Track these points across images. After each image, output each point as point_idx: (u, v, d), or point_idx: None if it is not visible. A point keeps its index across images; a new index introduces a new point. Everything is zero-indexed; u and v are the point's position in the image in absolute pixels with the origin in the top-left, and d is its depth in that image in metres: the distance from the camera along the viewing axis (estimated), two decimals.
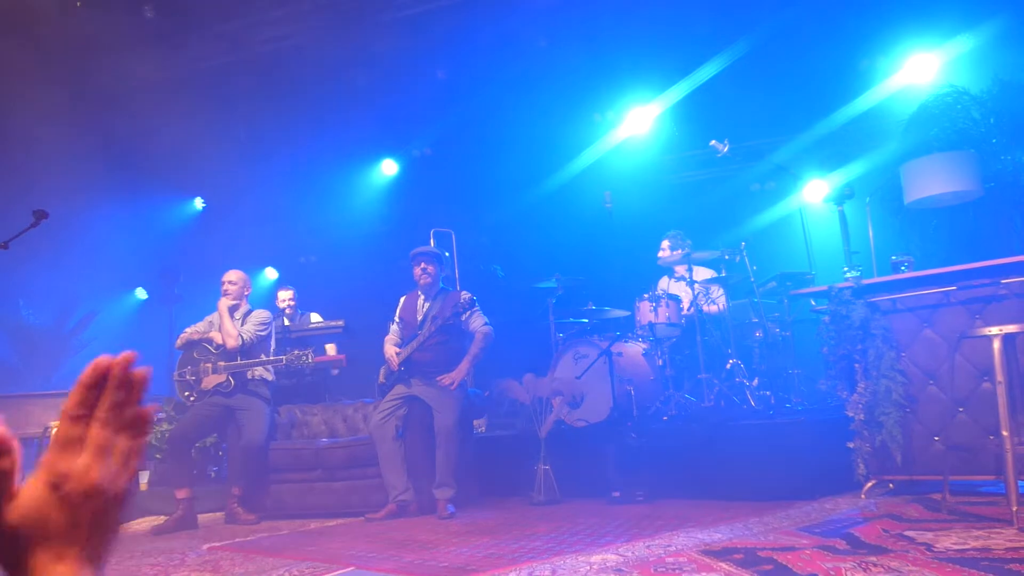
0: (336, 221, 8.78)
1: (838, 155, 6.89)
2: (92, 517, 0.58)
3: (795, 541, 2.82)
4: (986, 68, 6.00)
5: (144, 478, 5.55)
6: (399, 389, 4.63)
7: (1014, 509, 2.76)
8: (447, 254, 6.54)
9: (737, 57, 6.54)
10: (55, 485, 0.58)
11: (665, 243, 5.87)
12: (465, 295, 4.71)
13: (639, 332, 5.38)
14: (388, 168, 8.84)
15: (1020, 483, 2.86)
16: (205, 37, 7.20)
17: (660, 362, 5.23)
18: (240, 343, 4.83)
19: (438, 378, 4.54)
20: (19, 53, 6.43)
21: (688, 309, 5.45)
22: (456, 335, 4.69)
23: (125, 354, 0.62)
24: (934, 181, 4.26)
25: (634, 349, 5.25)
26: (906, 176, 4.37)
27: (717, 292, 5.41)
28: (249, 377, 4.92)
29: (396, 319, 4.89)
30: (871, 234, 4.58)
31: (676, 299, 5.34)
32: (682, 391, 5.15)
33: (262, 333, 4.98)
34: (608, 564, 2.66)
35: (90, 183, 7.69)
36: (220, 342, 4.88)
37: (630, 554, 2.81)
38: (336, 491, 4.80)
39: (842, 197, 4.22)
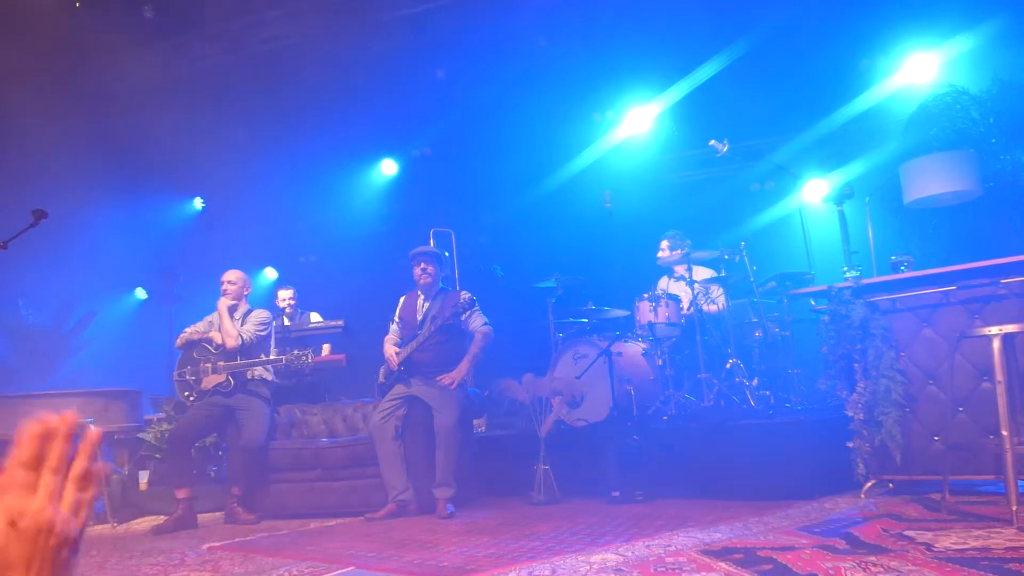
0: (336, 221, 8.79)
1: (838, 155, 6.89)
2: (46, 552, 0.66)
3: (795, 541, 2.82)
4: (986, 68, 6.01)
5: (144, 478, 5.55)
6: (399, 389, 4.63)
7: (1014, 509, 2.76)
8: (447, 254, 6.54)
9: (737, 57, 6.55)
10: (12, 521, 0.65)
11: (664, 243, 5.87)
12: (465, 295, 4.71)
13: (639, 332, 5.38)
14: (388, 168, 8.84)
15: (1020, 483, 2.86)
16: (205, 37, 7.20)
17: (660, 362, 5.24)
18: (240, 343, 4.83)
19: (438, 378, 4.54)
20: (18, 53, 6.42)
21: (688, 309, 5.45)
22: (456, 335, 4.69)
23: (69, 413, 0.70)
24: (934, 181, 4.26)
25: (634, 349, 5.25)
26: (905, 176, 4.37)
27: (717, 292, 5.42)
28: (249, 377, 4.92)
29: (396, 319, 4.89)
30: (871, 234, 4.59)
31: (676, 299, 5.35)
32: (682, 391, 5.15)
33: (262, 333, 4.98)
34: (608, 564, 2.66)
35: (89, 183, 7.69)
36: (220, 342, 4.88)
37: (630, 554, 2.81)
38: (336, 491, 4.80)
39: (842, 197, 4.22)
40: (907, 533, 2.78)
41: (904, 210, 5.21)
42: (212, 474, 5.64)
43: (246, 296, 5.11)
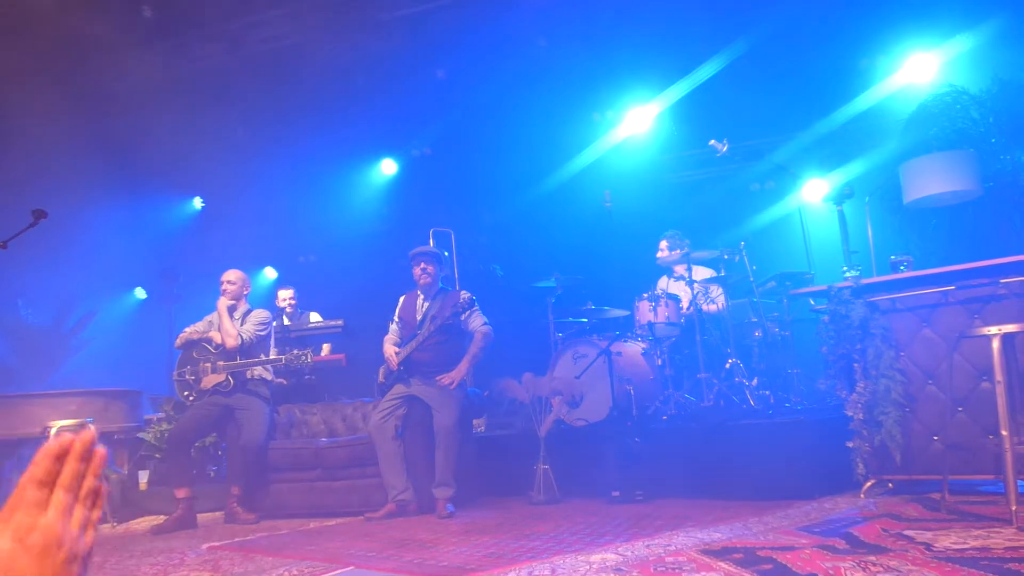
0: (336, 221, 8.78)
1: (837, 155, 6.89)
2: (55, 568, 0.67)
3: (794, 540, 2.82)
4: (985, 67, 6.01)
5: (144, 478, 5.56)
6: (398, 389, 4.63)
7: (1013, 508, 2.76)
8: (446, 254, 6.54)
9: (736, 57, 6.55)
10: (21, 537, 0.67)
11: (663, 243, 5.87)
12: (464, 295, 4.71)
13: (638, 332, 5.38)
14: (387, 168, 8.85)
15: (1019, 483, 2.86)
16: (205, 37, 7.19)
17: (659, 362, 5.24)
18: (239, 343, 4.83)
19: (437, 378, 4.55)
20: (18, 53, 6.42)
21: (687, 309, 5.45)
22: (455, 335, 4.69)
23: (86, 433, 0.72)
24: (933, 180, 4.26)
25: (633, 349, 5.25)
26: (905, 175, 4.38)
27: (716, 292, 5.42)
28: (248, 377, 4.93)
29: (395, 319, 4.89)
30: (870, 234, 4.59)
31: (675, 299, 5.35)
32: (681, 391, 5.15)
33: (261, 333, 4.99)
34: (608, 563, 2.66)
35: (89, 183, 7.69)
36: (219, 342, 4.88)
37: (630, 553, 2.81)
38: (336, 491, 4.81)
39: (841, 196, 4.22)
40: (907, 533, 2.78)
41: (904, 210, 5.21)
42: (212, 474, 5.64)
43: (246, 296, 5.12)
